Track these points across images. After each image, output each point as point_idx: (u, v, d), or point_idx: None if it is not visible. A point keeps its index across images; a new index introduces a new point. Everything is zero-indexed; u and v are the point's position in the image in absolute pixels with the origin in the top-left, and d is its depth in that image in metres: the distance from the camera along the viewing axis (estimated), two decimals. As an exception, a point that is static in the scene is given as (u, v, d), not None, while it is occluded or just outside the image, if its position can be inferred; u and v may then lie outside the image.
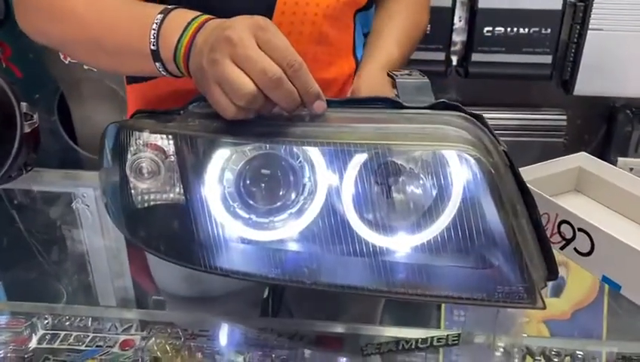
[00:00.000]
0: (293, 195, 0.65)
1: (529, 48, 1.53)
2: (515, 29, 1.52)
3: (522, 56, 1.53)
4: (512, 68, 1.54)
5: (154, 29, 0.65)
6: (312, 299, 1.06)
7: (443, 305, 1.52)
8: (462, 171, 0.58)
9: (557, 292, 1.61)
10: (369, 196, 0.63)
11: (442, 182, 0.60)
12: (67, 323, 0.91)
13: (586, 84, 1.57)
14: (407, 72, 0.69)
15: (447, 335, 0.91)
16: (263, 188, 0.65)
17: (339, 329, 0.92)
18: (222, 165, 0.64)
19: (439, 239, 0.61)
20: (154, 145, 0.69)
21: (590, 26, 1.52)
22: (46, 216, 0.94)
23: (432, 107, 0.62)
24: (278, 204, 0.65)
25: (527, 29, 1.52)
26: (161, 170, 0.69)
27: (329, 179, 0.63)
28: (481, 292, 0.59)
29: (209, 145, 0.63)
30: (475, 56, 1.55)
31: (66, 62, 1.58)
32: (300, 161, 0.63)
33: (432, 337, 0.92)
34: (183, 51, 0.64)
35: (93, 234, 0.92)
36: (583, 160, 0.84)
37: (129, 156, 0.69)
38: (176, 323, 0.91)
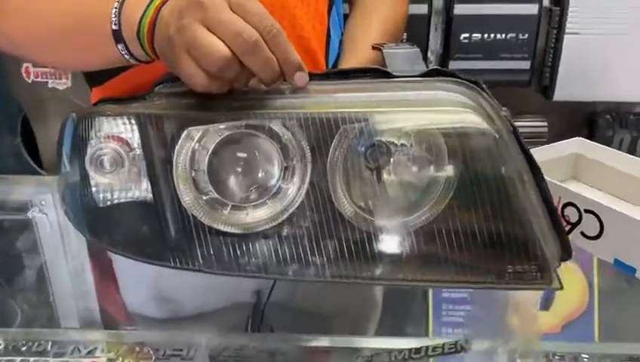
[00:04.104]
0: (274, 179, 0.58)
1: (507, 54, 1.51)
2: (492, 35, 1.50)
3: (500, 63, 1.51)
4: (491, 74, 1.51)
5: (116, 7, 0.60)
6: (296, 314, 0.99)
7: (430, 312, 1.45)
8: (462, 138, 0.52)
9: (546, 305, 1.56)
10: (359, 176, 0.57)
11: (440, 153, 0.54)
12: (23, 348, 0.82)
13: (566, 89, 1.55)
14: (394, 44, 0.63)
15: (444, 344, 0.86)
16: (240, 173, 0.58)
17: (324, 342, 0.85)
18: (192, 147, 0.57)
19: (440, 218, 0.55)
20: (117, 137, 0.62)
21: (567, 30, 1.50)
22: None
23: (424, 75, 0.56)
24: (257, 189, 0.59)
25: (504, 35, 1.50)
26: (124, 163, 0.62)
27: (314, 160, 0.56)
28: (489, 273, 0.53)
29: (177, 124, 0.57)
30: (453, 64, 1.52)
31: (29, 80, 1.50)
32: (281, 140, 0.57)
33: (427, 346, 0.86)
34: (147, 27, 0.58)
35: (53, 247, 0.84)
36: (579, 145, 0.79)
37: (89, 149, 0.62)
38: (146, 342, 0.82)
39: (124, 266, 0.93)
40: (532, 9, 1.48)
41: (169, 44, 0.54)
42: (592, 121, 1.61)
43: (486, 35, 1.49)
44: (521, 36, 1.50)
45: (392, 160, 0.57)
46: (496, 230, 0.52)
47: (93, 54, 0.67)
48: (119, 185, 0.63)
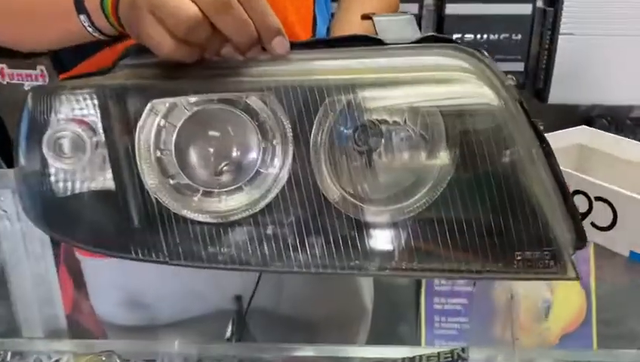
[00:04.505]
0: (251, 162, 0.52)
1: (500, 55, 1.47)
2: (485, 36, 1.46)
3: (493, 64, 1.46)
4: (484, 77, 1.47)
5: None
6: (280, 322, 0.93)
7: (423, 319, 1.38)
8: (464, 111, 0.46)
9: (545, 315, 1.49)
10: (347, 158, 0.51)
11: (438, 129, 0.48)
12: (-20, 360, 0.75)
13: (561, 92, 1.50)
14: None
15: (439, 353, 0.80)
16: (212, 154, 0.52)
17: (310, 351, 0.79)
18: (157, 124, 0.51)
19: (438, 202, 0.48)
20: (78, 119, 0.56)
21: (561, 31, 1.46)
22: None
23: (420, 41, 0.50)
24: (233, 173, 0.52)
25: (497, 35, 1.46)
26: (86, 148, 0.55)
27: (296, 139, 0.50)
28: (495, 262, 0.46)
29: (139, 96, 0.50)
30: (444, 65, 1.47)
31: (4, 82, 1.44)
32: (259, 117, 0.51)
33: (421, 356, 0.80)
34: None
35: (14, 248, 0.77)
36: (583, 134, 0.74)
37: (47, 131, 0.55)
38: (115, 352, 0.75)
39: (93, 268, 0.86)
40: (525, 9, 1.45)
41: (132, 6, 0.48)
42: (587, 125, 1.57)
43: (478, 36, 1.45)
44: (514, 37, 1.46)
45: (383, 141, 0.51)
46: (503, 213, 0.46)
47: (54, 28, 0.61)
48: (80, 173, 0.56)
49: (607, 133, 0.72)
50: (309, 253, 0.50)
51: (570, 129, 0.74)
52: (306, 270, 0.50)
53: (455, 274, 0.47)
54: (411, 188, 0.51)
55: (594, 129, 0.74)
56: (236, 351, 0.80)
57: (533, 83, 1.51)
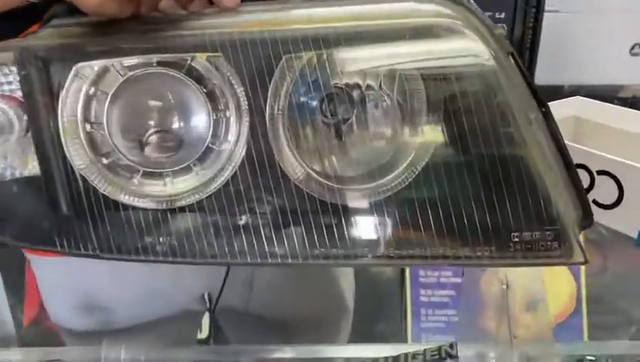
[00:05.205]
0: (200, 137, 0.44)
1: (483, 35, 1.40)
2: (467, 14, 1.39)
3: (476, 45, 1.40)
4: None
5: None
6: (254, 322, 0.85)
7: (409, 312, 1.32)
8: (449, 64, 0.39)
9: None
10: (311, 129, 0.43)
11: (418, 92, 0.40)
12: None
13: (546, 73, 1.44)
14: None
15: (425, 350, 0.73)
16: (153, 127, 0.44)
17: (289, 353, 0.72)
18: (85, 91, 0.43)
19: (420, 179, 0.41)
20: (6, 96, 0.47)
21: (546, 8, 1.40)
22: None
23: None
24: (178, 149, 0.44)
25: (479, 14, 1.39)
26: (13, 129, 0.47)
27: (253, 108, 0.42)
28: (488, 245, 0.39)
29: (62, 58, 0.42)
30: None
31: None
32: (207, 82, 0.43)
33: (407, 354, 0.73)
34: None
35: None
36: (577, 105, 0.66)
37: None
38: (64, 360, 0.68)
39: (42, 268, 0.78)
40: (508, -15, 1.38)
41: None
42: (575, 106, 1.52)
43: (460, 15, 1.39)
44: (497, 15, 1.39)
45: (355, 110, 0.44)
46: (497, 188, 0.39)
47: None
48: (9, 157, 0.48)
49: (603, 103, 0.65)
50: (268, 241, 0.43)
51: (564, 100, 0.67)
52: (262, 261, 0.42)
53: (441, 260, 0.40)
54: (388, 164, 0.44)
55: (588, 99, 0.67)
56: (207, 355, 0.73)
57: (518, 64, 1.45)
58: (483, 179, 0.40)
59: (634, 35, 1.41)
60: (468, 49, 0.39)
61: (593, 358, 0.72)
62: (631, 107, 0.82)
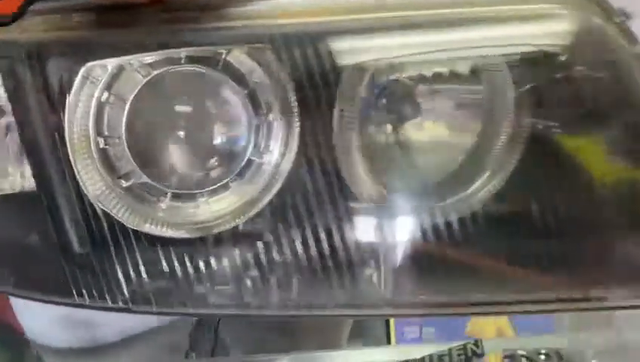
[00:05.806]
0: (239, 148, 0.36)
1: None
2: None
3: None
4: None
5: None
6: (257, 329, 0.78)
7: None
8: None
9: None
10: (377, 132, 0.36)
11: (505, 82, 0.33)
12: None
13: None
14: None
15: (450, 349, 0.70)
16: (183, 139, 0.35)
17: None
18: (97, 97, 0.34)
19: (501, 195, 0.34)
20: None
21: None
22: None
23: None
24: (212, 166, 0.36)
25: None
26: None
27: (306, 111, 0.34)
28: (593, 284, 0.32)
29: (66, 56, 0.33)
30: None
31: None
32: (248, 81, 0.34)
33: (431, 355, 0.70)
34: None
35: None
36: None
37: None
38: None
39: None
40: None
41: None
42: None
43: None
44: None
45: (421, 108, 0.37)
46: (607, 211, 0.32)
47: None
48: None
49: None
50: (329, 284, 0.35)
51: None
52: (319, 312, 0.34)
53: (531, 306, 0.33)
54: (465, 175, 0.37)
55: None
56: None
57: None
58: (588, 198, 0.33)
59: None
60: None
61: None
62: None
